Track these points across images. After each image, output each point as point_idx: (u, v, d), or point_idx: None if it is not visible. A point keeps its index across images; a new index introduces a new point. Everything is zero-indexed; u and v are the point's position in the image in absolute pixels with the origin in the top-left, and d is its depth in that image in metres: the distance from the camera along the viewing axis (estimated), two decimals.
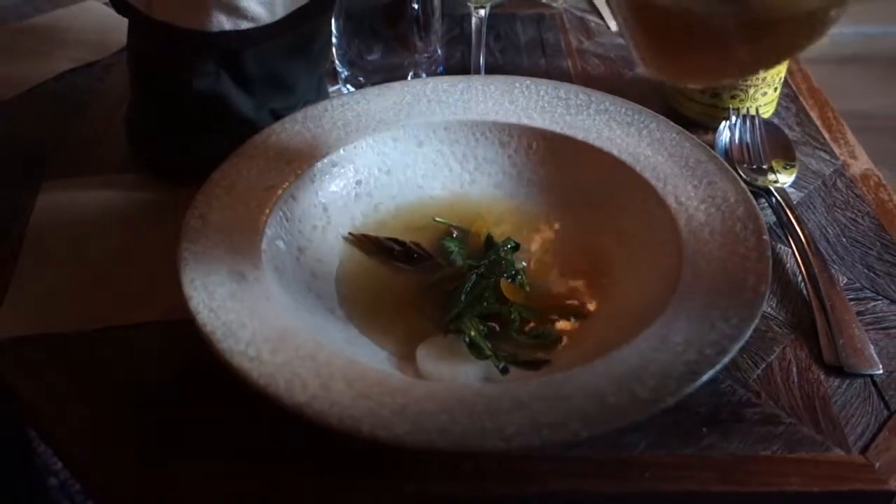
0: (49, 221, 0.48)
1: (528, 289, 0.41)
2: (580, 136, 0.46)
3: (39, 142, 0.55)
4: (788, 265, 0.45)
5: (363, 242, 0.44)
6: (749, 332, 0.34)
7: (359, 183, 0.46)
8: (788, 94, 0.58)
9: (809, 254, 0.44)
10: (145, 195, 0.49)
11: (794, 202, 0.48)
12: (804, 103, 0.59)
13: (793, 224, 0.46)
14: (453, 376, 0.37)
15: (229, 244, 0.39)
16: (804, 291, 0.43)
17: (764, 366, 0.39)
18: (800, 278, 0.44)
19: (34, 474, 0.37)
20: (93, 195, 0.49)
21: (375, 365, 0.36)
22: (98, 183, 0.50)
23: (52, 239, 0.46)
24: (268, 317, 0.35)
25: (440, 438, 0.30)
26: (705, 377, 0.32)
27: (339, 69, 0.57)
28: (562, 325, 0.40)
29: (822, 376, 0.39)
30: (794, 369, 0.39)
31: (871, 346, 0.40)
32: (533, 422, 0.30)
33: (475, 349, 0.38)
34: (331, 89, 0.56)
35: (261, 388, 0.32)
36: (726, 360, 0.33)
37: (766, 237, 0.39)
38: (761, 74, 0.52)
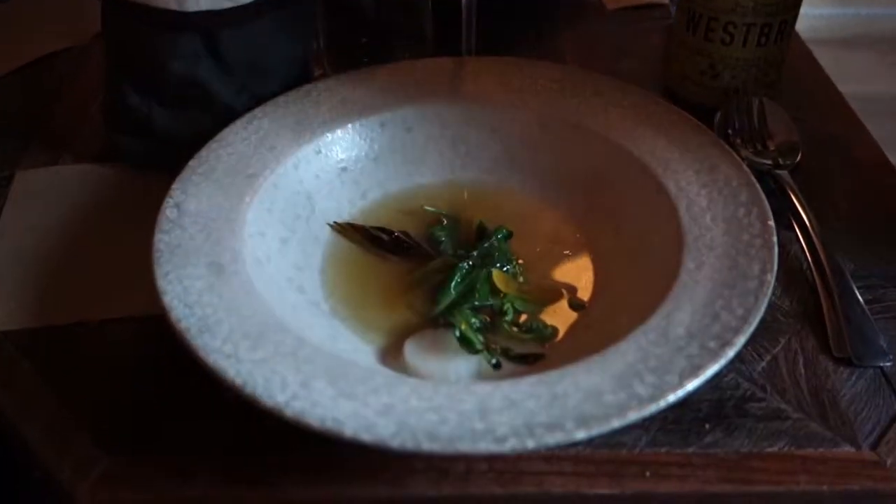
0: (22, 212, 0.46)
1: (521, 279, 0.40)
2: (575, 119, 0.45)
3: (14, 130, 0.52)
4: (793, 252, 0.43)
5: (349, 232, 0.42)
6: (755, 324, 0.32)
7: (344, 170, 0.44)
8: (791, 75, 0.56)
9: (815, 240, 0.42)
10: (123, 184, 0.47)
11: (798, 186, 0.47)
12: (807, 84, 0.57)
13: (797, 209, 0.44)
14: (442, 372, 0.35)
15: (207, 235, 0.37)
16: (810, 279, 0.41)
17: (769, 358, 0.38)
18: (805, 265, 0.42)
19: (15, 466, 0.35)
20: (68, 185, 0.47)
21: (360, 361, 0.34)
22: (74, 172, 0.48)
23: (25, 231, 0.44)
24: (247, 311, 0.34)
25: (428, 441, 0.28)
26: (710, 372, 0.30)
27: (325, 51, 0.55)
28: (557, 317, 0.38)
29: (831, 368, 0.37)
30: (801, 361, 0.38)
31: (882, 336, 0.38)
32: (526, 422, 0.29)
33: (466, 343, 0.36)
34: (316, 73, 0.54)
35: (238, 388, 0.30)
36: (732, 353, 0.31)
37: (771, 223, 0.37)
38: (762, 53, 0.51)
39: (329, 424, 0.29)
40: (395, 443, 0.28)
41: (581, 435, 0.28)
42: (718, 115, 0.50)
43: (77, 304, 0.40)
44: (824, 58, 0.60)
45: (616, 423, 0.29)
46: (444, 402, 0.30)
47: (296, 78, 0.48)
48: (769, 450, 0.34)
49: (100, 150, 0.50)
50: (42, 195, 0.47)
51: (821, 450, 0.34)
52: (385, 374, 0.33)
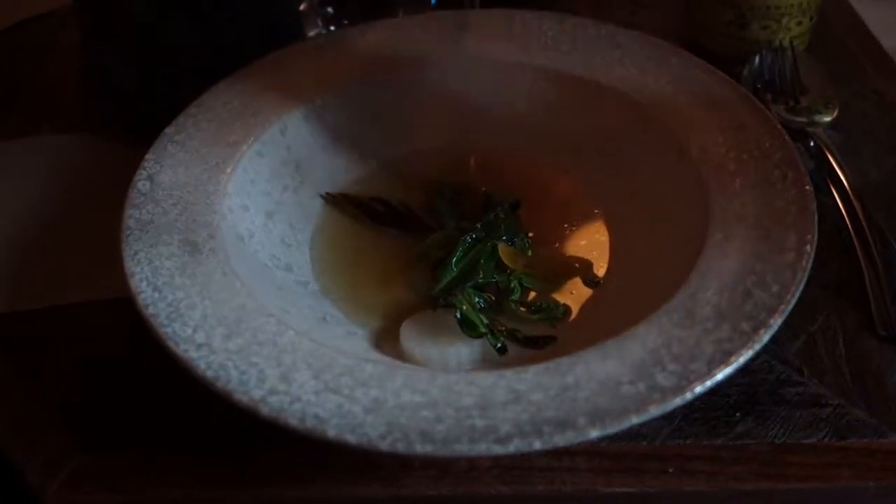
0: None
1: (530, 254, 0.37)
2: (589, 75, 0.42)
3: None
4: (831, 219, 0.40)
5: (342, 203, 0.40)
6: (793, 302, 0.29)
7: (337, 136, 0.42)
8: (825, 24, 0.53)
9: (855, 204, 0.39)
10: (102, 156, 0.45)
11: (835, 145, 0.43)
12: (844, 34, 0.53)
13: (835, 171, 0.41)
14: (442, 357, 0.32)
15: (182, 209, 0.34)
16: (850, 248, 0.38)
17: (805, 337, 0.35)
18: (844, 233, 0.39)
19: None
20: (44, 158, 0.45)
21: (350, 348, 0.31)
22: (51, 144, 0.46)
23: None
24: (223, 295, 0.31)
25: (421, 442, 0.25)
26: (742, 359, 0.27)
27: (317, 7, 0.52)
28: (570, 295, 0.36)
29: (874, 347, 0.34)
30: (841, 340, 0.35)
31: None
32: (533, 418, 0.26)
33: (468, 325, 0.33)
34: (310, 33, 0.51)
35: (209, 382, 0.27)
36: (767, 337, 0.28)
37: (808, 188, 0.34)
38: (794, 0, 0.47)
39: (310, 423, 0.26)
40: (384, 444, 0.25)
41: (595, 433, 0.25)
42: (746, 68, 0.48)
43: (48, 286, 0.38)
44: (862, 8, 0.57)
45: (635, 420, 0.26)
46: (441, 395, 0.27)
47: (284, 36, 0.45)
48: (807, 441, 0.31)
49: (81, 120, 0.48)
50: (16, 169, 0.45)
51: (865, 440, 0.31)
52: (376, 362, 0.30)
